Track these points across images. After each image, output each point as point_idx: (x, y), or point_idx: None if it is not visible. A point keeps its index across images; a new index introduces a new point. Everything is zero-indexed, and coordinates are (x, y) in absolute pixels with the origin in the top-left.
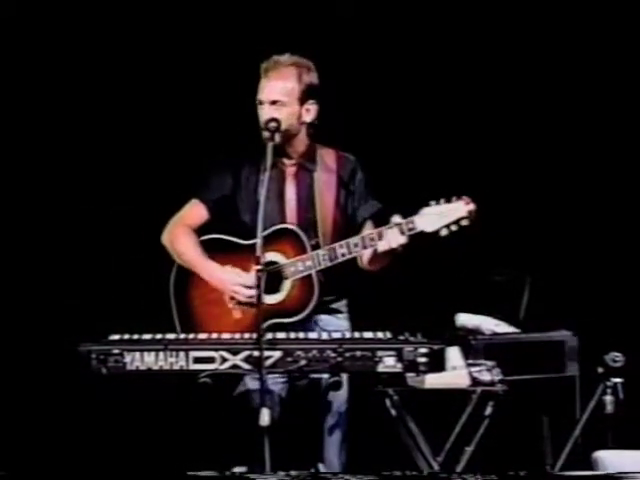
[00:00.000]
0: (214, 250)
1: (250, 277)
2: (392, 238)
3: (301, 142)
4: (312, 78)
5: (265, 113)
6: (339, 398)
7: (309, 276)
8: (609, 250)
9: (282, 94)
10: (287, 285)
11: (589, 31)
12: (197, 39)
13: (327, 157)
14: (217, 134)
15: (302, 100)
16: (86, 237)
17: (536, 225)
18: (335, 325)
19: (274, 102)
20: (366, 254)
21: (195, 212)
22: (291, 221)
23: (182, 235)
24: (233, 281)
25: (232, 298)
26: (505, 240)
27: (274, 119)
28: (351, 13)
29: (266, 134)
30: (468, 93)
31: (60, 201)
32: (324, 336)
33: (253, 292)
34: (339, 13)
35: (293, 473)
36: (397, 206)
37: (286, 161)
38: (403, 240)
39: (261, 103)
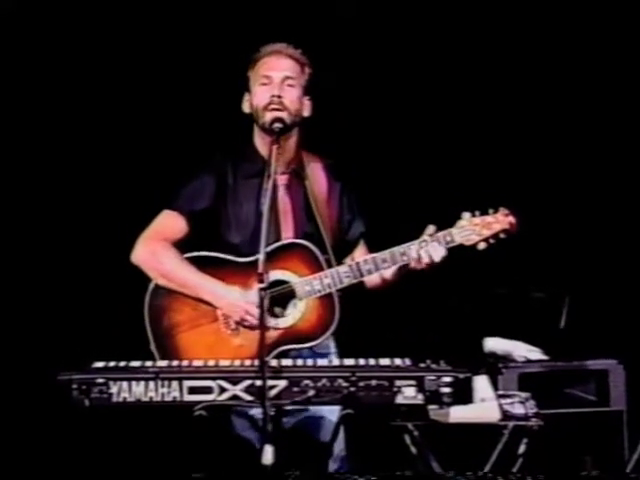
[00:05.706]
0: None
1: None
2: (433, 252)
3: (291, 146)
4: (309, 74)
5: (274, 89)
6: (339, 444)
7: (327, 296)
8: None
9: (294, 72)
10: (300, 307)
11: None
12: (174, 35)
13: (315, 165)
14: (193, 136)
15: (305, 90)
16: (68, 256)
17: (577, 239)
18: (321, 346)
19: (287, 78)
20: (389, 272)
21: (172, 224)
22: (287, 236)
23: (164, 251)
24: (246, 302)
25: (239, 322)
26: (542, 256)
27: (279, 119)
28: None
29: (269, 135)
30: (500, 100)
31: (42, 221)
32: (335, 362)
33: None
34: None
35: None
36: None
37: (277, 168)
38: (444, 253)
39: (268, 81)
